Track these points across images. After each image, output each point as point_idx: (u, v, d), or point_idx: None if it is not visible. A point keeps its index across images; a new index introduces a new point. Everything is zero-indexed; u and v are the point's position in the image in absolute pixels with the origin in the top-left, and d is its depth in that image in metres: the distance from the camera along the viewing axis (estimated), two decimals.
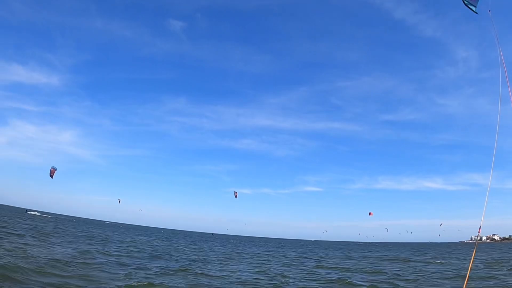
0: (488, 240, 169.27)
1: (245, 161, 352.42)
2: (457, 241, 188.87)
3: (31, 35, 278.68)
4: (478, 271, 19.21)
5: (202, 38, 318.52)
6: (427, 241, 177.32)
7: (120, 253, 22.07)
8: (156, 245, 35.52)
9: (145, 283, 12.16)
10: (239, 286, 13.99)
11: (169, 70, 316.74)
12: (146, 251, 26.14)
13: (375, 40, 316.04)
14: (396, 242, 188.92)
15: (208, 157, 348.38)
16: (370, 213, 65.13)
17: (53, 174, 29.36)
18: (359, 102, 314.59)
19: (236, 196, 35.25)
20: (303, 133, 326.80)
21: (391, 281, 16.61)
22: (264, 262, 26.35)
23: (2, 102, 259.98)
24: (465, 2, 8.78)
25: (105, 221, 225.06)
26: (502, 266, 22.93)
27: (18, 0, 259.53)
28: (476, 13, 8.70)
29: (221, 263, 22.70)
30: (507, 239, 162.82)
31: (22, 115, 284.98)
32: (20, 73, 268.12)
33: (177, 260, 21.94)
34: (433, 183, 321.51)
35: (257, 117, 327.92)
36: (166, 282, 13.08)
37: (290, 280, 15.91)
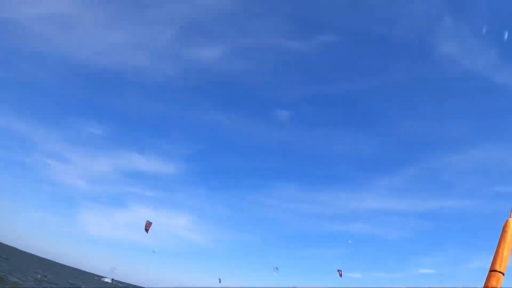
0: None
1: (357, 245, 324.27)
2: None
3: (147, 127, 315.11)
4: None
5: (307, 124, 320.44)
6: None
7: None
8: None
9: None
10: None
11: (276, 157, 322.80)
12: None
13: (476, 111, 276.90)
14: None
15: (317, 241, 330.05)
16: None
17: (149, 228, 30.07)
18: (471, 174, 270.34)
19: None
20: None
21: None
22: None
23: (123, 187, 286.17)
24: None
25: None
26: None
27: (135, 93, 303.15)
28: None
29: None
30: None
31: (140, 200, 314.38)
32: (139, 162, 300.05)
33: None
34: None
35: (368, 201, 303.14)
36: None
37: None
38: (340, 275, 29.15)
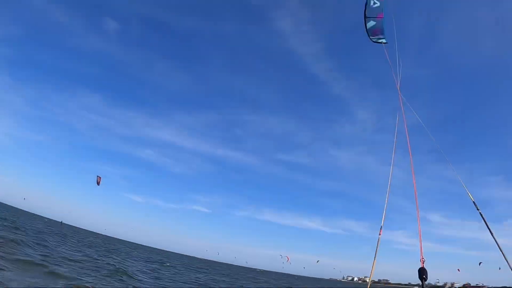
0: (359, 281, 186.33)
1: (141, 170, 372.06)
2: (328, 278, 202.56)
3: None
4: None
5: (133, 43, 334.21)
6: (300, 274, 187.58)
7: None
8: None
9: None
10: None
11: (92, 65, 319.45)
12: None
13: (288, 86, 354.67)
14: (253, 268, 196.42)
15: (110, 159, 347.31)
16: (287, 258, 66.72)
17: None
18: (260, 137, 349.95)
19: (98, 183, 30.30)
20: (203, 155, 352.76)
21: None
22: None
23: None
24: (373, 39, 8.79)
25: None
26: None
27: None
28: (386, 43, 8.62)
29: None
30: (376, 282, 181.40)
31: None
32: None
33: None
34: (313, 223, 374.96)
35: (163, 130, 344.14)
36: None
37: None
38: (98, 182, 30.01)
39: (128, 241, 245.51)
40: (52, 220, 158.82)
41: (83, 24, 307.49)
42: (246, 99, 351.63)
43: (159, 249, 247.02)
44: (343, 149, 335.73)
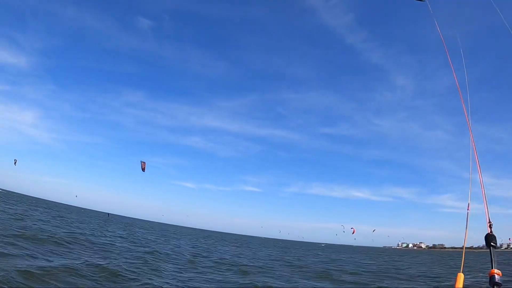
0: (415, 248, 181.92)
1: (189, 158, 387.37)
2: (381, 246, 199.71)
3: (2, 14, 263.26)
4: None
5: (167, 38, 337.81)
6: (355, 244, 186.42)
7: None
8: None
9: None
10: None
11: (131, 64, 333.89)
12: None
13: (325, 60, 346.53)
14: (317, 243, 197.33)
15: (158, 151, 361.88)
16: (353, 230, 64.99)
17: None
18: (302, 114, 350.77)
19: (143, 169, 29.36)
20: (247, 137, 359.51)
21: None
22: None
23: None
24: None
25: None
26: None
27: None
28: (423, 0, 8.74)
29: None
30: (432, 247, 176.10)
31: None
32: None
33: None
34: (361, 193, 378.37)
35: (206, 117, 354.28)
36: None
37: None
38: (143, 168, 28.97)
39: (187, 227, 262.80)
40: (100, 212, 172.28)
41: (117, 26, 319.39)
42: (285, 77, 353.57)
43: (217, 231, 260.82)
44: (385, 117, 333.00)
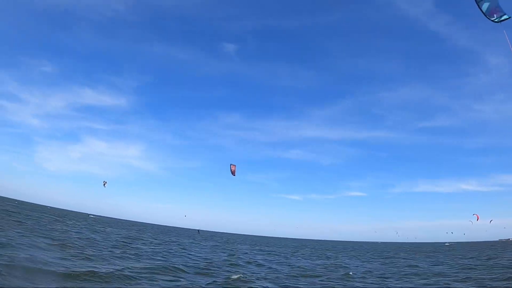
0: None
1: (292, 170, 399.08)
2: (497, 239, 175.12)
3: (98, 62, 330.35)
4: None
5: (253, 58, 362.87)
6: (469, 240, 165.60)
7: None
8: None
9: None
10: None
11: (223, 88, 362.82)
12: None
13: (411, 52, 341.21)
14: (439, 243, 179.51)
15: (260, 167, 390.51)
16: (477, 217, 61.38)
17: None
18: (398, 111, 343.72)
19: (233, 172, 28.25)
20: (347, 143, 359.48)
21: None
22: None
23: (76, 122, 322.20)
24: (494, 20, 8.43)
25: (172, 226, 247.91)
26: None
27: (86, 30, 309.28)
28: (510, 17, 8.31)
29: None
30: None
31: (93, 133, 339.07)
32: (91, 96, 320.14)
33: None
34: (468, 185, 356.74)
35: (303, 128, 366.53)
36: None
37: None
38: (232, 172, 27.95)
39: (297, 238, 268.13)
40: (190, 229, 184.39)
41: (204, 55, 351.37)
42: (375, 77, 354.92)
43: (328, 240, 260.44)
44: (484, 101, 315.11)
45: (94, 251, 17.81)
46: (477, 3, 8.55)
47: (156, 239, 40.52)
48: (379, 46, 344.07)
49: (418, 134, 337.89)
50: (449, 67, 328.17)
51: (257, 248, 47.84)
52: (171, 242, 39.52)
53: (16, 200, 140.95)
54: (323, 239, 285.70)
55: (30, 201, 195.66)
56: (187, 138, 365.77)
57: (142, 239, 36.86)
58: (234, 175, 28.52)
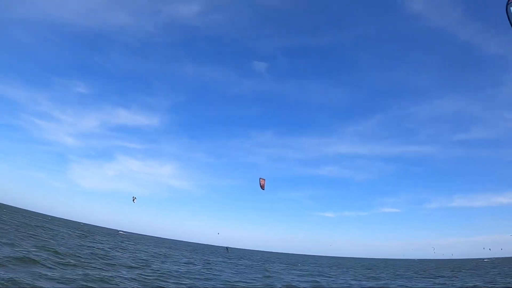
0: None
1: (325, 187, 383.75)
2: None
3: (132, 82, 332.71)
4: None
5: (284, 75, 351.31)
6: (507, 256, 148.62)
7: None
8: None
9: None
10: None
11: (255, 106, 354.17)
12: None
13: (443, 63, 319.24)
14: (477, 259, 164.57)
15: (294, 184, 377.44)
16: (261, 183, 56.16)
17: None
18: (431, 124, 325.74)
19: (262, 186, 28.15)
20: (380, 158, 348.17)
21: None
22: None
23: (109, 141, 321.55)
24: None
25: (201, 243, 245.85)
26: None
27: (119, 51, 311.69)
28: None
29: None
30: None
31: (127, 152, 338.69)
32: (124, 116, 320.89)
33: None
34: (506, 198, 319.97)
35: (336, 145, 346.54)
36: None
37: None
38: (262, 186, 27.95)
39: (330, 256, 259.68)
40: (219, 246, 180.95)
41: (235, 73, 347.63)
42: (406, 90, 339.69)
43: (362, 258, 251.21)
44: None
45: (105, 269, 14.26)
46: (506, 8, 8.17)
47: (188, 257, 36.15)
48: (410, 59, 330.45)
49: (453, 147, 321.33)
50: (481, 76, 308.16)
51: (297, 269, 42.42)
52: (207, 262, 35.22)
53: (49, 216, 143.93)
54: (356, 256, 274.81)
55: (63, 217, 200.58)
56: (220, 156, 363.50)
57: (172, 256, 33.05)
58: (263, 189, 28.39)
